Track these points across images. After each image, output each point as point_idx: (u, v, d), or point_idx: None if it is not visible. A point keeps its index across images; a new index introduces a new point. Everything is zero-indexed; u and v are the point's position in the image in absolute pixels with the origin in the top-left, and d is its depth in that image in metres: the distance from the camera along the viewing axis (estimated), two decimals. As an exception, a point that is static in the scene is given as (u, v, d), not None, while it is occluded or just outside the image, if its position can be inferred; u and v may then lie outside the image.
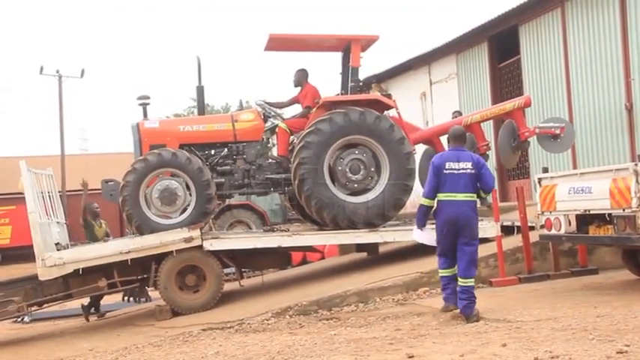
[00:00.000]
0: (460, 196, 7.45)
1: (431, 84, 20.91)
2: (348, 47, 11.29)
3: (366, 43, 11.39)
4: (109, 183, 11.01)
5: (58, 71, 32.72)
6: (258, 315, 8.93)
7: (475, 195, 7.59)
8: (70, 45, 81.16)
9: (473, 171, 7.48)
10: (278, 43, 11.56)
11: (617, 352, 5.32)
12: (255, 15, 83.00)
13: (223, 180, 11.10)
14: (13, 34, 77.57)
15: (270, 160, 11.43)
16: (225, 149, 11.29)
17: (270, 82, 69.95)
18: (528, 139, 11.57)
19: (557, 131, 11.36)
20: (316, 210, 10.62)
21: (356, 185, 10.77)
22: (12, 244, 28.50)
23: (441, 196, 7.54)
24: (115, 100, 77.25)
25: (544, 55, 15.86)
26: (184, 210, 10.54)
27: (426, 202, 7.70)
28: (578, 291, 8.58)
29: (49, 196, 11.23)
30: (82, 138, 51.33)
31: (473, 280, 7.51)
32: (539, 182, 9.16)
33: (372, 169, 10.77)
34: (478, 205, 7.92)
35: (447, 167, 7.50)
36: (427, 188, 7.72)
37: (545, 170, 10.23)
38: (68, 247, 10.86)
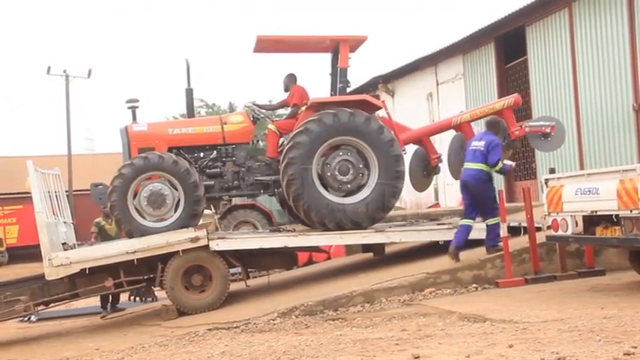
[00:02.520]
0: (469, 165, 9.84)
1: (437, 84, 20.89)
2: (337, 48, 11.24)
3: (355, 43, 11.34)
4: (98, 187, 10.95)
5: (65, 71, 32.86)
6: (264, 315, 8.93)
7: (483, 165, 9.69)
8: (77, 45, 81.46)
9: (483, 149, 9.71)
10: (266, 45, 11.47)
11: (624, 354, 5.29)
12: (260, 15, 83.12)
13: (213, 182, 11.06)
14: (19, 33, 77.89)
15: (259, 162, 11.34)
16: (215, 151, 11.22)
17: (274, 82, 69.87)
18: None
19: (548, 130, 11.31)
20: (318, 220, 10.58)
21: (349, 185, 10.72)
22: (19, 243, 28.67)
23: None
24: (121, 100, 77.38)
25: (551, 56, 15.82)
26: (177, 207, 10.53)
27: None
28: (585, 292, 8.55)
29: (56, 196, 11.28)
30: (88, 138, 51.54)
31: (492, 219, 9.72)
32: (546, 183, 9.11)
33: (361, 166, 10.71)
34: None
35: (470, 145, 9.97)
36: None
37: (552, 171, 10.22)
38: (75, 247, 10.89)
